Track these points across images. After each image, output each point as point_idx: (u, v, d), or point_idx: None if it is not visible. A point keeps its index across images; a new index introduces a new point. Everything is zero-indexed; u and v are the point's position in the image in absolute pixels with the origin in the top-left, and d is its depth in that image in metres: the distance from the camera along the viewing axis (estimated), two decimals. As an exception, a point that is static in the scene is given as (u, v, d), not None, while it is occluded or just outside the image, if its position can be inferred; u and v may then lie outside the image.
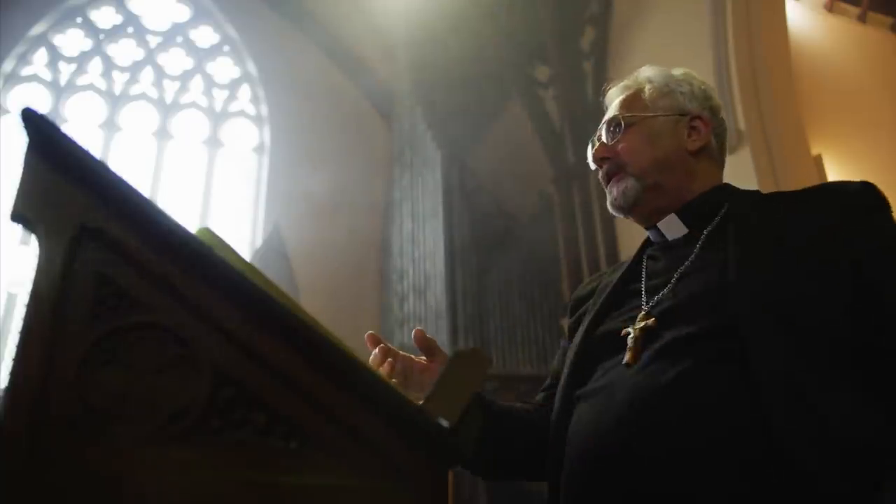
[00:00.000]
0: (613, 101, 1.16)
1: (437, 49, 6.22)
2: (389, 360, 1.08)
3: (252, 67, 7.66)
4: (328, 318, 0.65)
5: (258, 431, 0.51)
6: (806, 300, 0.87)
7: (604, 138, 1.12)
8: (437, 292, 5.61)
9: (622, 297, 1.07)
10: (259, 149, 7.53)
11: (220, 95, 7.68)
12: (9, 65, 6.85)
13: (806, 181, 3.91)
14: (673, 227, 1.08)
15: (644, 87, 1.13)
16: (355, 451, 0.51)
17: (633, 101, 1.12)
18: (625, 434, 0.88)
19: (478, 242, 5.64)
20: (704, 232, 1.03)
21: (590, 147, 1.16)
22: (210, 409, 0.51)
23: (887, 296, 0.87)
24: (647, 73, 1.15)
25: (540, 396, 1.22)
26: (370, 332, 1.11)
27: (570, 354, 1.08)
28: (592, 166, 1.16)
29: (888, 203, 0.94)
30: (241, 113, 7.66)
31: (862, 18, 5.62)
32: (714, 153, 1.11)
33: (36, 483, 0.47)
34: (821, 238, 0.91)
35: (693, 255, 1.01)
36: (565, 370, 1.07)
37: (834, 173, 4.64)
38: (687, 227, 1.06)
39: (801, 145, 4.06)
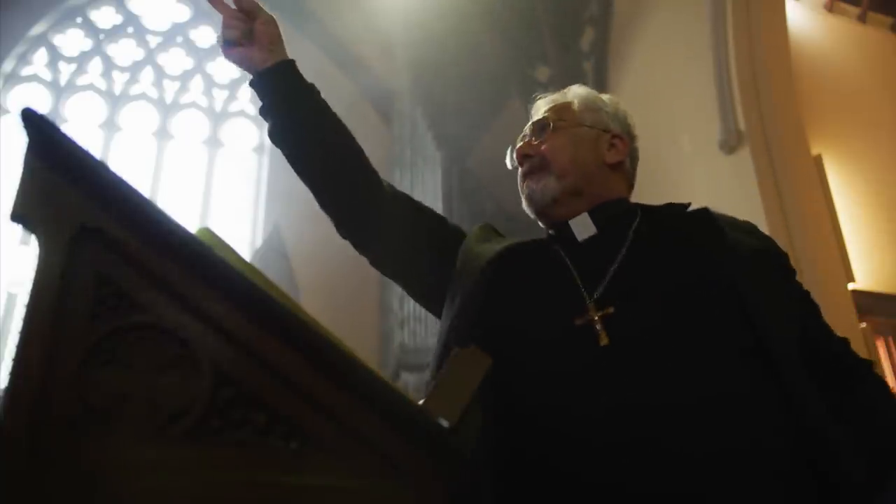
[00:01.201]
0: (540, 109, 1.21)
1: (436, 49, 6.21)
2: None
3: (252, 67, 7.65)
4: (328, 318, 0.65)
5: (258, 431, 0.51)
6: (784, 306, 0.99)
7: (528, 137, 1.18)
8: (437, 292, 5.60)
9: (561, 286, 1.06)
10: (259, 149, 7.53)
11: (220, 95, 7.68)
12: (9, 65, 6.84)
13: (806, 181, 3.91)
14: (583, 227, 1.11)
15: (573, 101, 1.19)
16: (355, 451, 0.51)
17: (561, 109, 1.18)
18: (665, 423, 0.87)
19: (478, 242, 5.64)
20: (631, 229, 1.08)
21: (509, 149, 1.21)
22: (210, 409, 0.51)
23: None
24: (577, 91, 1.22)
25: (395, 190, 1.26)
26: None
27: (540, 339, 1.01)
28: (510, 165, 1.22)
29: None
30: (241, 113, 7.66)
31: (862, 18, 5.62)
32: (628, 172, 1.19)
33: (36, 483, 0.47)
34: (768, 254, 1.06)
35: (625, 251, 1.05)
36: (537, 360, 1.00)
37: (834, 173, 4.64)
38: (597, 228, 1.10)
39: (801, 145, 4.05)
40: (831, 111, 4.89)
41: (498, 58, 6.00)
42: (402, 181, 6.64)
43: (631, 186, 1.20)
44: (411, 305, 6.10)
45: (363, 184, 1.23)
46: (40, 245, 0.52)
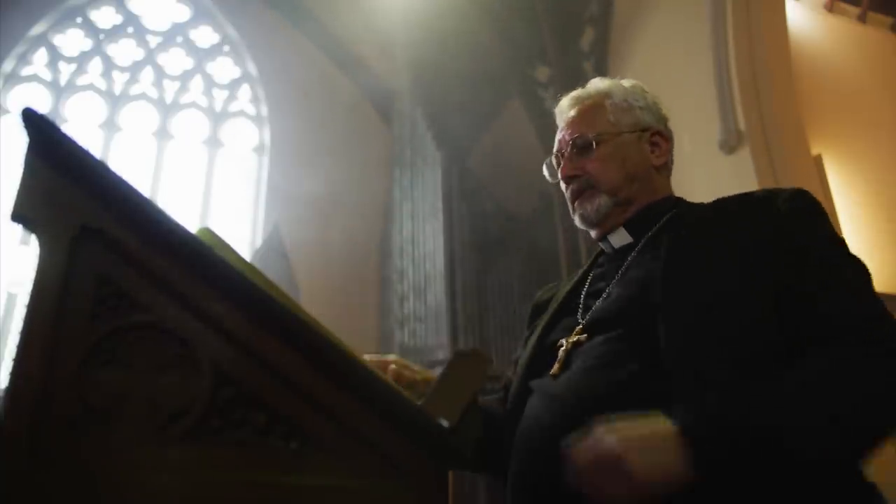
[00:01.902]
0: (568, 114, 1.16)
1: (436, 49, 6.21)
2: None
3: (252, 67, 7.66)
4: (328, 318, 0.65)
5: (258, 431, 0.51)
6: (725, 297, 0.89)
7: (567, 154, 1.13)
8: (437, 292, 5.61)
9: (571, 307, 1.08)
10: (259, 149, 7.53)
11: (220, 95, 7.67)
12: (9, 65, 6.84)
13: (806, 181, 3.91)
14: (620, 237, 1.10)
15: (604, 103, 1.13)
16: (355, 451, 0.51)
17: (595, 117, 1.12)
18: (543, 436, 0.91)
19: (478, 242, 5.64)
20: (643, 239, 1.06)
21: (545, 165, 1.19)
22: (210, 408, 0.51)
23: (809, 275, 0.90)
24: (601, 87, 1.15)
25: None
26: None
27: (522, 361, 1.09)
28: (551, 180, 1.19)
29: (819, 208, 0.97)
30: (241, 113, 7.66)
31: (862, 18, 5.62)
32: (670, 167, 1.15)
33: (36, 483, 0.47)
34: (748, 241, 0.93)
35: (626, 263, 1.04)
36: (516, 378, 1.08)
37: (834, 173, 4.64)
38: (632, 236, 1.08)
39: (801, 145, 4.05)
40: (831, 111, 4.89)
41: (498, 58, 6.00)
42: (402, 181, 6.64)
43: (669, 176, 1.17)
44: (411, 305, 6.10)
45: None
46: (41, 245, 0.52)
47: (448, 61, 6.20)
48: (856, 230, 4.45)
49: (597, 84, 1.16)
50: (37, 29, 7.08)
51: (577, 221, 1.14)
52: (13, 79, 6.93)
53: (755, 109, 3.96)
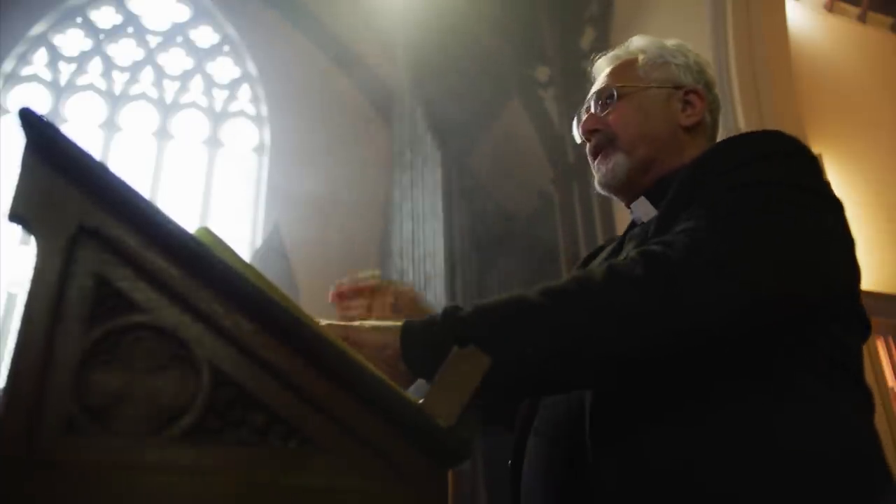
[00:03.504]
0: (603, 71, 1.09)
1: (436, 49, 6.21)
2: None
3: (252, 67, 7.67)
4: (328, 318, 0.65)
5: (257, 431, 0.51)
6: None
7: (593, 109, 1.05)
8: (437, 292, 5.61)
9: None
10: (259, 149, 7.53)
11: (220, 95, 7.68)
12: (9, 65, 6.84)
13: (806, 181, 3.91)
14: (644, 209, 1.00)
15: (637, 57, 1.06)
16: (355, 451, 0.51)
17: (625, 70, 1.05)
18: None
19: (478, 242, 5.64)
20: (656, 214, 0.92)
21: (575, 121, 1.10)
22: (209, 409, 0.51)
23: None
24: (639, 43, 1.08)
25: None
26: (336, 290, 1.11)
27: None
28: (578, 139, 1.09)
29: (786, 149, 0.86)
30: (241, 113, 7.66)
31: (862, 18, 5.62)
32: (708, 129, 1.05)
33: (35, 483, 0.47)
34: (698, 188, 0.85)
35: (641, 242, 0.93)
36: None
37: (834, 173, 4.63)
38: (656, 207, 0.97)
39: (800, 145, 4.05)
40: (831, 111, 4.88)
41: (498, 58, 6.00)
42: (402, 181, 6.64)
43: (713, 141, 1.05)
44: (411, 305, 6.08)
45: None
46: (39, 245, 0.52)
47: (448, 61, 6.20)
48: (856, 230, 4.44)
49: (636, 41, 1.09)
50: (37, 29, 7.09)
51: (597, 187, 1.05)
52: (13, 79, 6.94)
53: (755, 109, 3.96)
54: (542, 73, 5.88)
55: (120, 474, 0.48)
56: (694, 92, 1.03)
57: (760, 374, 0.77)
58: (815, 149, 4.68)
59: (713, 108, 1.06)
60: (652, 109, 1.01)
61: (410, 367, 0.74)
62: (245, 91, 7.71)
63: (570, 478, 0.83)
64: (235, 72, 7.73)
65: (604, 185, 1.04)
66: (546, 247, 5.55)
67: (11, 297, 5.89)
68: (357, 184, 6.90)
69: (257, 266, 0.67)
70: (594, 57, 1.13)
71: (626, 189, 1.02)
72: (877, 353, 3.88)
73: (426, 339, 0.74)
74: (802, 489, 0.72)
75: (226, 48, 7.78)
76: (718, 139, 1.06)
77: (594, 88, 1.08)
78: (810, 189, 0.82)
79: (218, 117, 7.60)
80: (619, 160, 1.00)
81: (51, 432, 0.48)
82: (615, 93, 1.03)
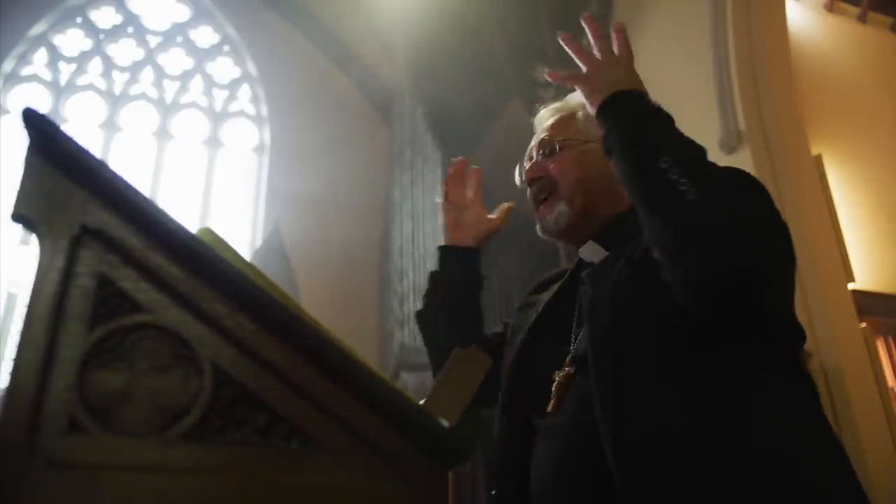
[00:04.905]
0: (544, 123, 1.20)
1: (436, 49, 6.21)
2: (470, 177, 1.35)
3: (252, 67, 7.66)
4: (328, 318, 0.65)
5: (259, 431, 0.51)
6: (642, 308, 0.91)
7: (535, 158, 1.16)
8: (437, 292, 5.61)
9: (557, 318, 1.08)
10: (259, 149, 7.53)
11: (220, 95, 7.68)
12: (9, 65, 6.84)
13: (806, 181, 3.90)
14: (594, 252, 1.08)
15: (577, 112, 1.16)
16: (356, 450, 0.51)
17: (565, 124, 1.16)
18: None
19: (478, 242, 5.64)
20: (612, 254, 1.03)
21: (518, 168, 1.21)
22: (211, 409, 0.51)
23: None
24: (579, 99, 1.16)
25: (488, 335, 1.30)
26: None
27: (507, 368, 1.09)
28: (518, 183, 1.21)
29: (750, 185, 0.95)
30: (241, 113, 7.66)
31: (862, 18, 5.62)
32: None
33: (36, 483, 0.47)
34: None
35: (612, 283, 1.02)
36: (510, 385, 1.08)
37: (834, 173, 4.64)
38: (606, 249, 1.06)
39: (801, 145, 4.05)
40: (831, 111, 4.88)
41: (498, 58, 6.00)
42: (403, 181, 6.64)
43: None
44: (411, 305, 6.10)
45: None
46: (41, 245, 0.52)
47: (448, 61, 6.20)
48: (856, 230, 4.44)
49: (576, 96, 1.18)
50: (37, 29, 7.09)
51: (539, 231, 1.16)
52: (13, 79, 6.94)
53: (755, 109, 3.95)
54: (542, 73, 5.87)
55: (122, 474, 0.48)
56: None
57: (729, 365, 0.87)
58: (815, 149, 4.67)
59: None
60: (590, 162, 1.11)
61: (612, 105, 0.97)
62: (245, 91, 7.71)
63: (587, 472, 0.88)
64: (235, 72, 7.73)
65: (546, 231, 1.16)
66: (546, 246, 5.54)
67: (11, 297, 5.88)
68: (357, 184, 6.90)
69: (257, 266, 0.67)
70: (537, 106, 1.27)
71: (568, 235, 1.13)
72: (877, 353, 3.88)
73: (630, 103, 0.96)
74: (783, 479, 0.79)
75: (226, 48, 7.78)
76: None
77: (535, 139, 1.19)
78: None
79: (218, 117, 7.59)
80: (561, 209, 1.11)
81: (52, 432, 0.48)
82: (557, 146, 1.13)
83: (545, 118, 1.21)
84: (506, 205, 1.36)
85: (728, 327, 0.85)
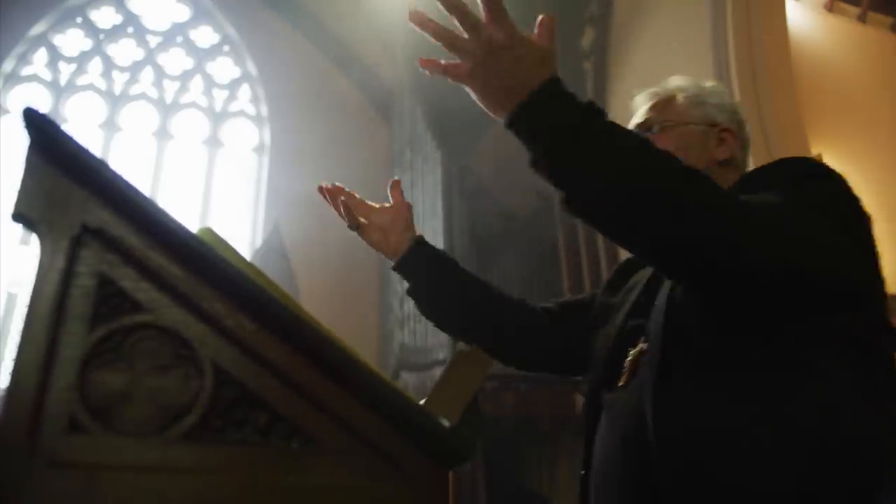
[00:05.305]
0: (641, 107, 1.17)
1: (436, 49, 6.20)
2: (342, 199, 1.28)
3: (252, 67, 7.67)
4: (328, 318, 0.65)
5: (259, 431, 0.51)
6: None
7: None
8: (437, 292, 5.61)
9: (651, 296, 1.06)
10: (259, 149, 7.53)
11: (220, 95, 7.68)
12: (9, 65, 6.85)
13: (806, 181, 3.91)
14: None
15: (676, 95, 1.15)
16: (356, 451, 0.51)
17: (665, 106, 1.14)
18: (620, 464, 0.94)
19: (478, 242, 5.64)
20: None
21: None
22: (212, 408, 0.51)
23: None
24: (678, 83, 1.17)
25: (548, 302, 1.31)
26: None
27: (604, 345, 1.09)
28: None
29: (823, 171, 0.93)
30: (241, 113, 7.66)
31: (862, 18, 5.61)
32: (739, 165, 1.14)
33: (36, 483, 0.47)
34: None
35: None
36: (597, 361, 1.08)
37: (834, 173, 4.64)
38: None
39: (801, 145, 4.05)
40: (831, 111, 4.88)
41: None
42: (402, 181, 6.62)
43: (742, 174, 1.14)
44: (411, 305, 6.09)
45: (514, 325, 1.26)
46: (41, 245, 0.52)
47: (448, 61, 6.19)
48: (856, 230, 4.44)
49: (675, 80, 1.18)
50: (37, 29, 7.09)
51: None
52: (13, 79, 6.94)
53: (755, 109, 3.96)
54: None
55: (122, 474, 0.48)
56: (727, 130, 1.12)
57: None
58: (815, 149, 4.67)
59: (744, 146, 1.15)
60: (690, 144, 1.09)
61: (522, 110, 0.78)
62: (245, 91, 7.72)
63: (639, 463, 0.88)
64: (235, 72, 7.74)
65: None
66: (546, 246, 5.55)
67: (11, 297, 5.89)
68: (357, 184, 6.86)
69: (258, 266, 0.67)
70: (635, 93, 1.21)
71: None
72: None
73: (558, 104, 0.78)
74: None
75: (226, 48, 7.78)
76: (748, 155, 1.16)
77: (635, 121, 1.16)
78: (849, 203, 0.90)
79: (218, 117, 7.60)
80: None
81: (53, 432, 0.48)
82: (656, 127, 1.11)
83: (642, 101, 1.18)
84: (391, 181, 1.37)
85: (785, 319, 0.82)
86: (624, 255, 1.06)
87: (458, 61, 0.82)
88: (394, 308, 6.41)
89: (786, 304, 0.80)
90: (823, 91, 4.94)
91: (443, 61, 0.84)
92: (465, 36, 0.81)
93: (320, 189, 1.31)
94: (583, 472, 1.02)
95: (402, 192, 1.34)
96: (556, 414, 5.23)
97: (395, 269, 1.28)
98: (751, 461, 0.78)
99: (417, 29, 0.84)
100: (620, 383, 0.98)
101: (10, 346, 5.50)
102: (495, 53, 0.80)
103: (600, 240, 5.21)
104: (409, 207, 1.33)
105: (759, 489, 0.77)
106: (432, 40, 0.82)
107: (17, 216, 0.52)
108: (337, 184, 1.32)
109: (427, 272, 1.26)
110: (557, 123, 0.77)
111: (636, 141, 0.81)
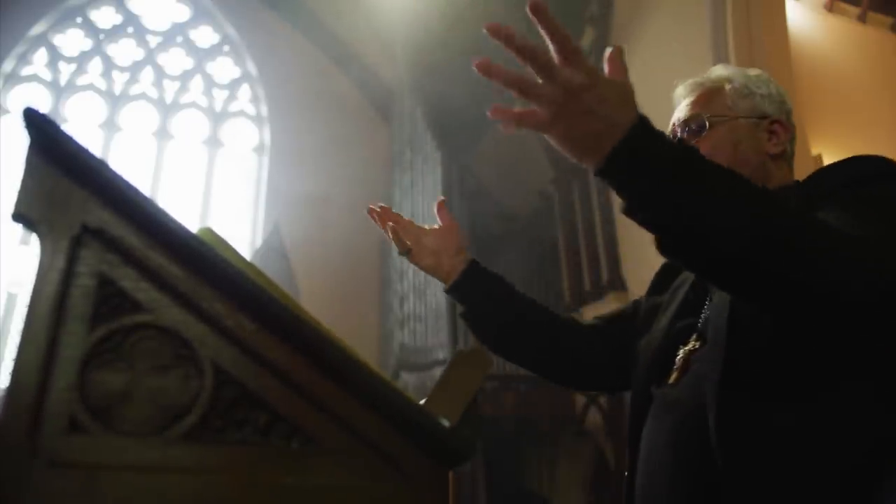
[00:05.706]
0: (685, 99, 1.11)
1: (436, 49, 6.21)
2: (391, 224, 1.23)
3: (252, 67, 7.67)
4: (328, 318, 0.65)
5: (259, 431, 0.51)
6: None
7: (679, 136, 1.07)
8: (437, 292, 5.61)
9: (700, 295, 1.04)
10: (259, 149, 7.53)
11: (220, 95, 7.68)
12: (9, 65, 6.85)
13: (806, 181, 3.91)
14: None
15: (724, 87, 1.09)
16: (356, 451, 0.51)
17: (711, 99, 1.08)
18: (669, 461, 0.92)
19: (478, 243, 5.64)
20: None
21: None
22: (212, 408, 0.51)
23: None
24: (723, 73, 1.11)
25: (593, 320, 1.27)
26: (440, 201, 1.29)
27: (650, 344, 1.06)
28: None
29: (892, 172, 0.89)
30: (241, 113, 7.67)
31: (862, 18, 5.62)
32: (789, 157, 1.10)
33: (36, 483, 0.47)
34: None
35: None
36: (644, 359, 1.06)
37: (834, 173, 4.64)
38: None
39: (801, 145, 4.04)
40: (831, 111, 4.88)
41: (498, 57, 5.99)
42: (403, 181, 6.64)
43: (792, 167, 1.11)
44: (411, 305, 6.10)
45: (568, 347, 1.23)
46: (41, 245, 0.52)
47: (448, 60, 6.20)
48: (856, 230, 4.45)
49: (719, 70, 1.12)
50: (37, 29, 7.09)
51: None
52: (13, 79, 6.94)
53: (755, 109, 3.96)
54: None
55: (123, 474, 0.48)
56: (778, 122, 1.07)
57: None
58: (815, 149, 4.67)
59: (793, 137, 1.10)
60: (741, 138, 1.04)
61: (614, 157, 0.71)
62: (245, 91, 7.72)
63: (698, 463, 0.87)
64: (235, 72, 7.74)
65: None
66: (546, 246, 5.55)
67: (11, 297, 5.89)
68: (357, 184, 6.90)
69: (258, 266, 0.67)
70: (676, 82, 1.15)
71: None
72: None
73: (655, 145, 0.71)
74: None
75: (226, 48, 7.78)
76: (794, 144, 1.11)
77: (679, 115, 1.10)
78: None
79: (218, 117, 7.60)
80: None
81: (53, 432, 0.48)
82: (707, 122, 1.05)
83: (686, 93, 1.11)
84: (437, 201, 1.30)
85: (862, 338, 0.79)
86: (624, 254, 1.05)
87: (531, 108, 0.75)
88: (394, 308, 6.41)
89: (884, 328, 0.77)
90: (823, 91, 4.94)
91: (517, 109, 0.76)
92: (540, 81, 0.74)
93: (370, 211, 1.27)
94: (626, 473, 1.01)
95: (448, 212, 1.28)
96: (556, 414, 5.23)
97: (447, 291, 1.25)
98: (815, 469, 0.77)
99: (484, 77, 0.76)
100: (670, 381, 0.96)
101: (10, 346, 5.50)
102: (576, 96, 0.72)
103: (600, 240, 5.21)
104: (458, 228, 1.28)
105: (821, 496, 0.77)
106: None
107: (18, 216, 0.52)
108: (382, 205, 1.28)
109: (481, 295, 1.23)
110: (658, 167, 0.71)
111: (737, 180, 0.75)
